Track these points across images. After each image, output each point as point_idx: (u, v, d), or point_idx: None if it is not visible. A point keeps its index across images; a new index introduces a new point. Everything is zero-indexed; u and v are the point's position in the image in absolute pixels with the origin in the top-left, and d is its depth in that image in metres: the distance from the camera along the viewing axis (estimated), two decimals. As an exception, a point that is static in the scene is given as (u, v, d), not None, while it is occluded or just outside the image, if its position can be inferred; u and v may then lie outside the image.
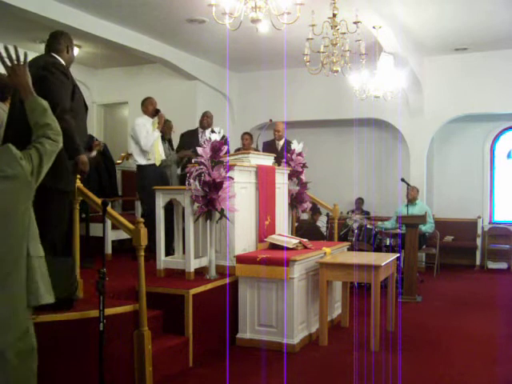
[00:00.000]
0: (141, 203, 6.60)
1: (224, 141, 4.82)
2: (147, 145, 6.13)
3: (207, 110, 7.44)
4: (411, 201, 7.85)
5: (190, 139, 7.10)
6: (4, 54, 2.59)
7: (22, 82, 2.60)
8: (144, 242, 3.76)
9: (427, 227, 7.84)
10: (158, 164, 6.23)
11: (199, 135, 7.19)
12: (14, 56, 2.58)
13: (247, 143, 7.66)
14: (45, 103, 2.61)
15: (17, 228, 2.34)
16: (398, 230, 7.21)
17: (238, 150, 7.36)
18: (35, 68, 3.52)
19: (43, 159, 2.42)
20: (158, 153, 6.26)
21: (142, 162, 6.18)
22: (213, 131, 4.88)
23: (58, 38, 3.96)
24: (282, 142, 7.28)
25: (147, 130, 6.19)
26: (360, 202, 10.14)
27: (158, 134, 6.27)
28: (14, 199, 2.31)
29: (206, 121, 7.17)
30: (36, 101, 2.58)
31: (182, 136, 7.26)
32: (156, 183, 5.50)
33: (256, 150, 6.92)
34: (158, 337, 4.14)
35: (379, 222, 8.15)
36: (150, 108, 6.38)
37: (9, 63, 2.58)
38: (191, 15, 6.90)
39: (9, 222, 2.30)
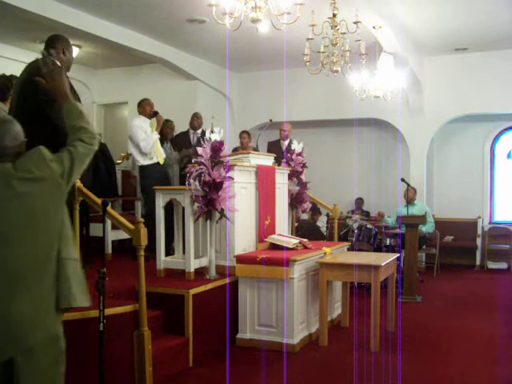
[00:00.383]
0: (143, 204, 6.58)
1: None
2: (146, 147, 6.09)
3: (199, 110, 7.51)
4: (409, 202, 7.82)
5: (183, 140, 7.13)
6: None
7: (59, 87, 2.63)
8: (144, 242, 3.77)
9: (428, 227, 7.82)
10: (162, 162, 6.22)
11: (190, 136, 7.22)
12: (49, 61, 2.61)
13: (245, 142, 7.66)
14: (81, 107, 2.64)
15: (47, 230, 2.34)
16: (398, 230, 7.21)
17: (236, 150, 7.38)
18: (30, 70, 3.53)
19: (75, 162, 2.43)
20: (159, 152, 6.25)
21: (144, 162, 6.16)
22: (212, 131, 4.87)
23: (54, 41, 4.01)
24: (287, 143, 7.27)
25: (145, 131, 6.17)
26: (360, 202, 10.14)
27: (156, 136, 6.24)
28: (43, 201, 2.31)
29: (197, 122, 7.23)
30: (72, 105, 2.61)
31: (175, 138, 7.24)
32: (158, 183, 5.50)
33: (255, 149, 6.93)
34: (158, 337, 4.14)
35: (385, 217, 8.15)
36: (147, 109, 6.35)
37: (45, 68, 2.63)
38: (191, 15, 6.90)
39: (38, 223, 2.30)
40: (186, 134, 7.29)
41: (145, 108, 6.37)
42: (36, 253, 2.29)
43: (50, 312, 2.35)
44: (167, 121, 6.91)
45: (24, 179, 2.25)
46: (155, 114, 6.33)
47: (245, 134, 7.79)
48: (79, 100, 4.12)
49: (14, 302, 2.21)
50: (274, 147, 7.26)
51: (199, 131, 7.20)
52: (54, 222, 2.36)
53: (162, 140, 6.81)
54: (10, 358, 2.21)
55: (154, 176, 6.05)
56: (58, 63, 3.89)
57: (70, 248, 2.45)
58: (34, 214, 2.28)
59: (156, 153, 6.20)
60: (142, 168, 6.20)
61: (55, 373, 2.40)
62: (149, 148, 6.12)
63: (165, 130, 6.78)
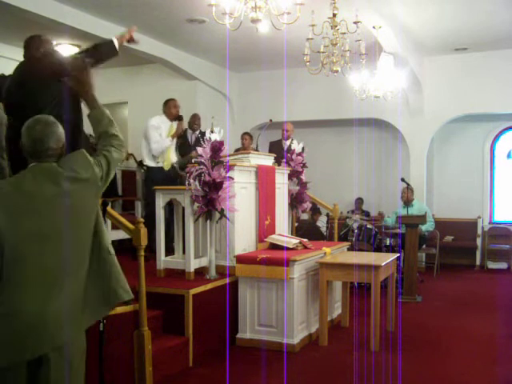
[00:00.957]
0: (145, 205, 6.54)
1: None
2: (157, 150, 6.01)
3: (199, 110, 7.53)
4: (407, 203, 7.79)
5: (182, 141, 7.12)
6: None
7: (90, 90, 2.68)
8: (144, 242, 3.77)
9: (427, 226, 7.81)
10: (166, 169, 6.16)
11: (189, 137, 7.23)
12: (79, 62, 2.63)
13: (247, 143, 7.69)
14: (109, 114, 2.70)
15: (85, 229, 2.40)
16: (398, 230, 7.21)
17: (237, 150, 7.38)
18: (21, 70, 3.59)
19: (111, 167, 2.53)
20: (168, 159, 6.10)
21: (150, 163, 6.09)
22: (212, 131, 4.87)
23: (28, 43, 4.07)
24: (289, 143, 7.27)
25: (160, 134, 6.01)
26: (359, 202, 10.14)
27: (169, 143, 6.10)
28: (84, 201, 2.39)
29: (196, 123, 7.23)
30: (103, 111, 2.68)
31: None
32: (162, 185, 5.45)
33: (256, 150, 6.93)
34: (158, 337, 4.14)
35: (385, 217, 8.14)
36: (173, 111, 6.16)
37: (75, 71, 2.66)
38: (191, 15, 6.90)
39: (78, 222, 2.36)
40: (184, 135, 7.28)
41: (170, 109, 6.19)
42: (74, 251, 2.34)
43: (83, 308, 2.38)
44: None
45: (71, 178, 2.33)
46: (180, 118, 6.14)
47: (246, 136, 7.82)
48: (79, 104, 4.17)
49: (52, 299, 2.24)
50: (275, 147, 7.26)
51: (197, 132, 7.21)
52: (91, 221, 2.43)
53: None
54: (40, 356, 2.23)
55: (158, 178, 5.98)
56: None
57: (110, 244, 2.54)
58: (76, 212, 2.34)
59: (164, 159, 6.08)
60: (149, 169, 6.14)
61: (82, 368, 2.45)
62: (159, 152, 6.03)
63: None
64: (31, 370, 2.24)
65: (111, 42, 4.00)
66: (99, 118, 2.65)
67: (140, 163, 7.78)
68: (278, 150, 6.79)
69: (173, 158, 6.27)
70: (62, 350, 2.28)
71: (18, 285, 2.20)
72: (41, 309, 2.21)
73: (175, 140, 6.34)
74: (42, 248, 2.24)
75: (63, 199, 2.30)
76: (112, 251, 2.54)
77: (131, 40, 4.14)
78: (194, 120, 7.26)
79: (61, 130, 2.42)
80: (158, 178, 6.02)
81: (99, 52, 3.99)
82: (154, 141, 6.01)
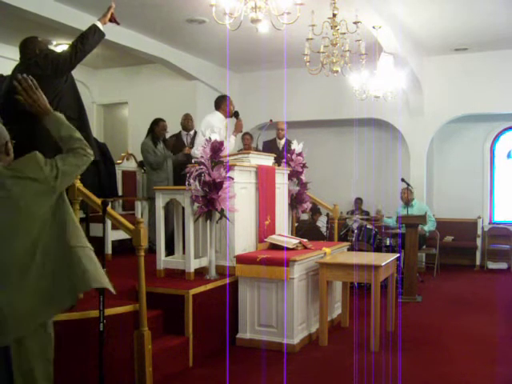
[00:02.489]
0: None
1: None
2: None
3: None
4: (407, 203, 7.79)
5: (177, 142, 7.13)
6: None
7: (37, 101, 2.68)
8: (144, 242, 3.77)
9: (430, 225, 7.80)
10: None
11: (183, 138, 7.24)
12: (22, 79, 2.67)
13: (248, 143, 7.70)
14: (65, 120, 2.73)
15: (34, 226, 2.47)
16: (398, 230, 7.21)
17: (239, 151, 7.38)
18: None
19: (67, 170, 2.57)
20: None
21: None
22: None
23: (24, 46, 4.16)
24: (283, 142, 7.29)
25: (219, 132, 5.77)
26: (359, 202, 10.14)
27: (233, 141, 5.78)
28: (29, 197, 2.46)
29: (189, 123, 7.24)
30: (59, 116, 2.70)
31: (168, 140, 7.16)
32: None
33: (256, 149, 6.94)
34: (158, 337, 4.14)
35: (385, 218, 8.14)
36: (230, 108, 5.87)
37: (19, 87, 2.66)
38: (191, 15, 6.90)
39: (26, 220, 2.44)
40: (178, 136, 7.30)
41: (223, 106, 5.87)
42: (24, 247, 2.42)
43: (42, 301, 2.45)
44: (160, 120, 6.91)
45: (14, 177, 2.43)
46: (236, 114, 5.86)
47: (247, 136, 7.83)
48: (80, 100, 4.20)
49: (5, 294, 2.35)
50: (269, 146, 7.26)
51: (192, 132, 7.22)
52: (38, 217, 2.49)
53: (156, 141, 6.82)
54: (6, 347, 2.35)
55: None
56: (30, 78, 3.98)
57: (79, 238, 2.59)
58: (18, 209, 2.42)
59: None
60: None
61: (45, 360, 2.55)
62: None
63: (158, 132, 6.81)
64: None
65: (95, 26, 4.11)
66: (57, 122, 2.69)
67: (140, 163, 7.78)
68: (272, 149, 6.80)
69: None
70: (22, 343, 2.41)
71: None
72: None
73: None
74: None
75: (7, 200, 2.41)
76: (82, 244, 2.58)
77: (113, 19, 4.23)
78: (187, 120, 7.29)
79: (0, 129, 2.51)
80: None
81: (88, 42, 4.07)
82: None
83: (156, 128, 6.83)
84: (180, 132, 7.34)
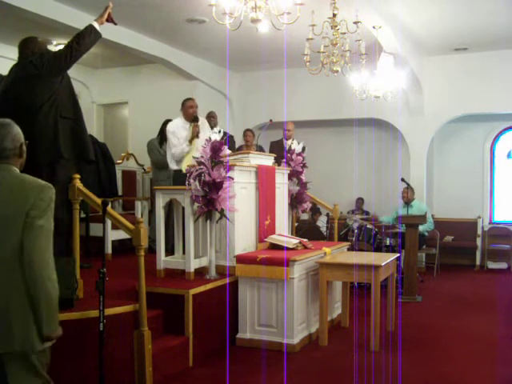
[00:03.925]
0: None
1: (224, 141, 4.81)
2: (177, 155, 5.71)
3: (199, 110, 7.35)
4: (407, 202, 7.80)
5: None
6: None
7: None
8: (144, 242, 3.77)
9: (426, 226, 7.80)
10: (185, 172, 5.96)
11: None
12: None
13: (250, 140, 7.64)
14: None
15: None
16: (398, 230, 7.20)
17: (240, 148, 7.37)
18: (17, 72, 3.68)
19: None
20: (186, 163, 5.64)
21: (174, 167, 5.79)
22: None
23: (24, 45, 4.22)
24: (290, 142, 7.23)
25: (179, 138, 5.69)
26: (360, 201, 10.14)
27: (187, 148, 5.70)
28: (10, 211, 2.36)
29: (212, 121, 6.93)
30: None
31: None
32: None
33: (260, 147, 6.92)
34: (158, 337, 4.14)
35: (384, 216, 8.15)
36: (189, 111, 5.83)
37: None
38: (191, 15, 6.90)
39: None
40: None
41: (186, 110, 5.86)
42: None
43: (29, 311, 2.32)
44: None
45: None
46: (195, 119, 5.81)
47: (249, 132, 7.78)
48: (76, 99, 4.25)
49: None
50: (276, 147, 7.25)
51: (216, 129, 7.00)
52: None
53: (162, 141, 6.79)
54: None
55: (182, 181, 5.78)
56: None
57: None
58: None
59: (184, 162, 5.71)
60: (174, 172, 5.85)
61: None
62: (179, 156, 5.71)
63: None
64: None
65: (91, 26, 4.08)
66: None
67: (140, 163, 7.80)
68: (278, 150, 6.77)
69: (191, 161, 6.05)
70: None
71: None
72: None
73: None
74: None
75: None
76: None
77: (110, 19, 4.20)
78: (211, 119, 7.00)
79: (16, 130, 2.43)
80: (182, 180, 5.87)
81: (84, 42, 4.05)
82: (173, 145, 5.71)
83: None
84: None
